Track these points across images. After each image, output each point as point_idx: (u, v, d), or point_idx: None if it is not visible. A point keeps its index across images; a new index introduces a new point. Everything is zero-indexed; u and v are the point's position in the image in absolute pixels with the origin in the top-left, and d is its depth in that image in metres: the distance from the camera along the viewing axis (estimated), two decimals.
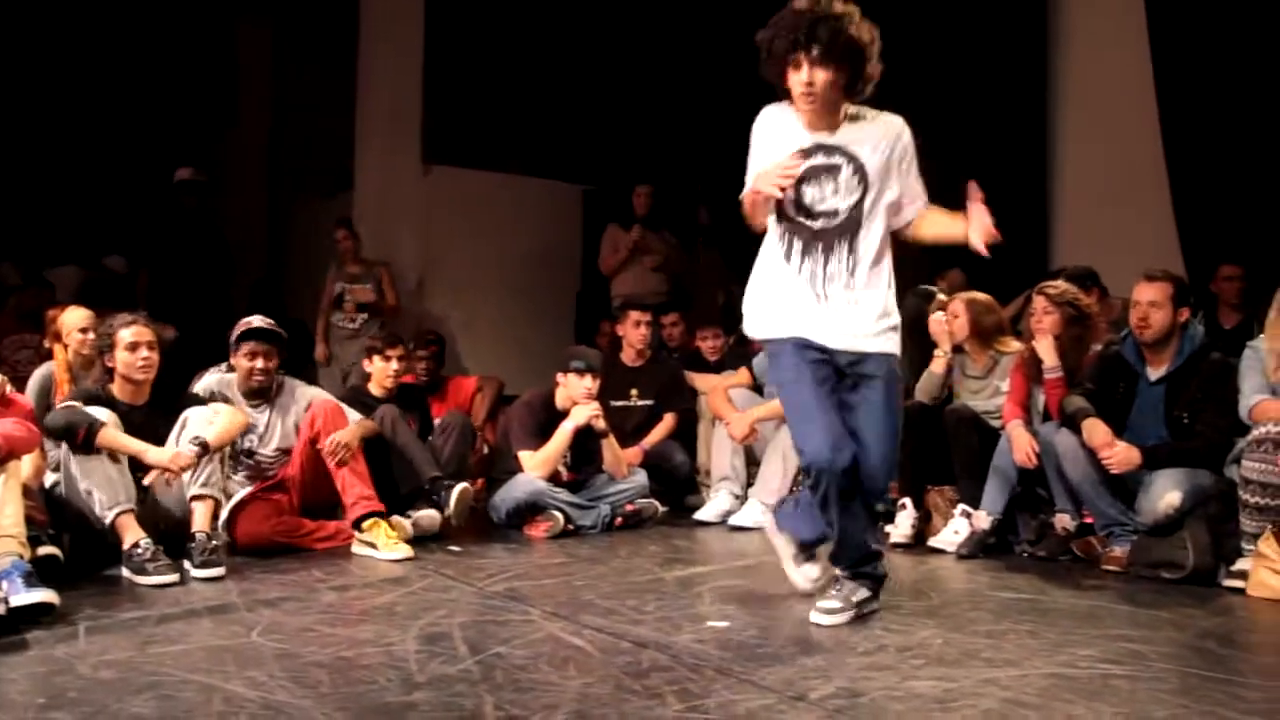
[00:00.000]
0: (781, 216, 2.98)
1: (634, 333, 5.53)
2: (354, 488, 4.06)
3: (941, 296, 4.87)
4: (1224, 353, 4.00)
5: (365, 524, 4.01)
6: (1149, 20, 6.14)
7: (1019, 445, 4.07)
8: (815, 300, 2.92)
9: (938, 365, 4.60)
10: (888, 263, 2.96)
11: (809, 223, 2.92)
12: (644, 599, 3.28)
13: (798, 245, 2.95)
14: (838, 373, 2.94)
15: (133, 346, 3.86)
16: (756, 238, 3.11)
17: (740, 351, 5.97)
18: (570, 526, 4.56)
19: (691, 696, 2.27)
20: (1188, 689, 2.38)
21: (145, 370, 3.88)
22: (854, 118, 2.92)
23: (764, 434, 4.97)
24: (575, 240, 9.11)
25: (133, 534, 3.51)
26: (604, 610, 3.11)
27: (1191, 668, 2.56)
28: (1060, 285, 4.42)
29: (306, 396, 4.41)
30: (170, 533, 3.74)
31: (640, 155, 8.44)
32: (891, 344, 2.94)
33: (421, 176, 8.54)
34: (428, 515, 4.33)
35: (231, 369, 4.45)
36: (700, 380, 5.60)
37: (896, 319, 2.97)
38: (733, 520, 4.79)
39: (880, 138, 2.90)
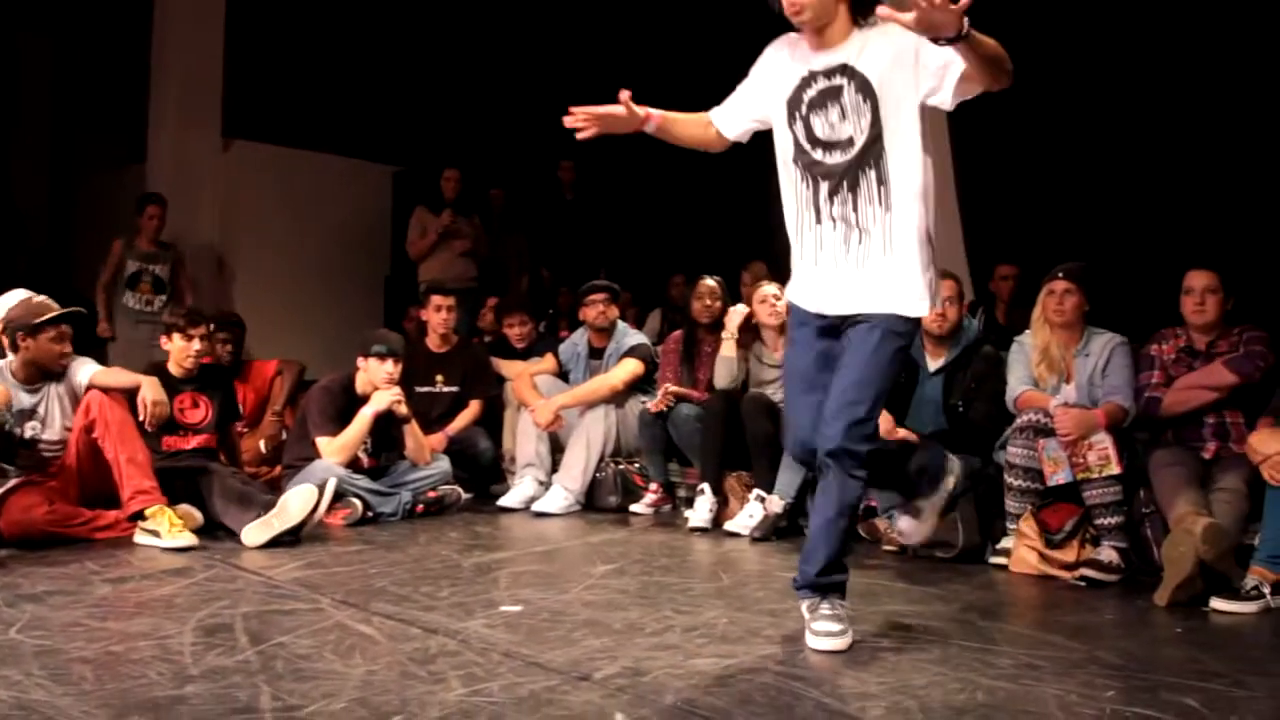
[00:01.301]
0: (797, 158, 2.66)
1: (436, 317, 5.45)
2: (133, 480, 3.85)
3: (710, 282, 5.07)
4: (998, 347, 4.29)
5: (149, 511, 3.82)
6: None
7: None
8: (843, 248, 2.61)
9: (727, 349, 4.74)
10: (925, 195, 2.58)
11: (827, 159, 2.61)
12: (439, 585, 3.25)
13: (824, 189, 2.62)
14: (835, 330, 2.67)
15: None
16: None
17: (548, 338, 6.00)
18: (370, 514, 4.46)
19: (476, 680, 2.27)
20: (947, 658, 2.54)
21: None
22: (863, 29, 2.55)
23: (568, 420, 5.01)
24: (384, 222, 8.93)
25: None
26: (396, 598, 3.07)
27: (953, 639, 2.74)
28: None
29: (86, 374, 4.12)
30: None
31: (449, 138, 8.34)
32: (907, 304, 2.58)
33: (221, 151, 8.19)
34: (299, 492, 3.94)
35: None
36: (506, 366, 5.59)
37: (928, 272, 2.60)
38: (536, 506, 4.79)
39: (883, 45, 2.51)
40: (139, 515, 3.84)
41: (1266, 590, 3.15)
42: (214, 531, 4.03)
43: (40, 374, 4.06)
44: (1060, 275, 3.99)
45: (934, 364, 4.21)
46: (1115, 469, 3.59)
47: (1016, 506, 3.78)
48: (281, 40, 8.43)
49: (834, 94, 2.58)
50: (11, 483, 3.85)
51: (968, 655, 2.57)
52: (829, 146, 2.60)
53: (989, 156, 6.39)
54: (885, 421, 3.99)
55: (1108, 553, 3.56)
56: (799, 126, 2.65)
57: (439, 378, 5.40)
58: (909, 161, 2.56)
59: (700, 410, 4.69)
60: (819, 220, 2.66)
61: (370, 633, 2.68)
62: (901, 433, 4.01)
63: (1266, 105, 5.25)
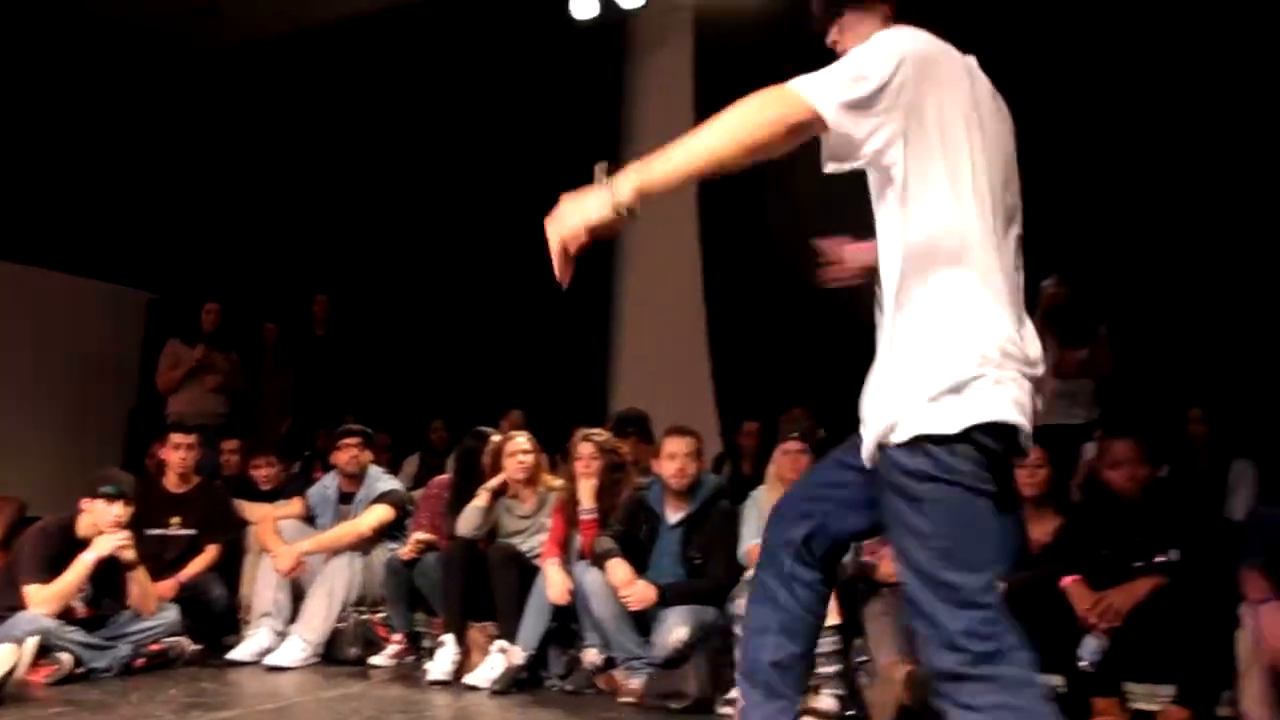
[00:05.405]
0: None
1: (174, 456, 5.21)
2: None
3: (496, 437, 5.05)
4: (743, 499, 4.50)
5: None
6: (700, 210, 6.99)
7: (553, 583, 4.29)
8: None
9: (481, 499, 4.74)
10: (929, 279, 1.83)
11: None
12: None
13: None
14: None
15: None
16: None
17: (300, 480, 5.84)
18: (80, 669, 4.13)
19: None
20: None
21: None
22: None
23: (311, 567, 4.86)
24: (134, 352, 8.53)
25: None
26: None
27: None
28: (603, 434, 4.78)
29: None
30: None
31: (211, 267, 8.16)
32: (921, 419, 1.78)
33: None
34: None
35: None
36: (250, 509, 5.38)
37: (945, 375, 1.78)
38: (270, 659, 4.56)
39: None
40: None
41: None
42: None
43: None
44: (795, 436, 4.27)
45: (674, 517, 4.37)
46: (834, 619, 3.80)
47: None
48: (34, 155, 8.06)
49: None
50: None
51: None
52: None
53: (740, 310, 6.83)
54: (624, 573, 4.11)
55: (827, 700, 3.75)
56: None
57: (175, 520, 5.12)
58: (894, 238, 1.89)
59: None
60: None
61: None
62: (640, 584, 4.11)
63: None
